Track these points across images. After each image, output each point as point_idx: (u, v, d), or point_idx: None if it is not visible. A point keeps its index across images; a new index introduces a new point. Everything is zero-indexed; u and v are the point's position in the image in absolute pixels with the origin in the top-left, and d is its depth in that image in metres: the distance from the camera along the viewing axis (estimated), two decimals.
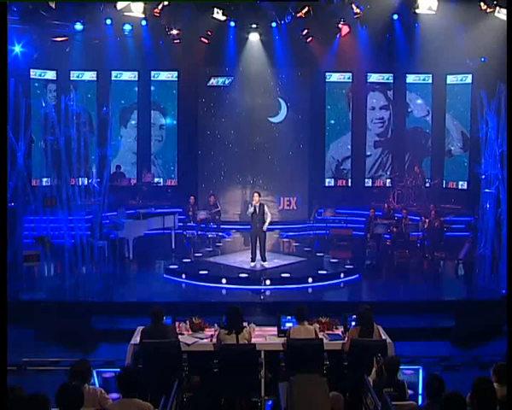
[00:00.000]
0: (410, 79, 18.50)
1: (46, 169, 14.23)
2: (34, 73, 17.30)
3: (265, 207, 13.04)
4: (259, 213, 12.89)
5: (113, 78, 18.26)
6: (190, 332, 8.21)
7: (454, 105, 18.01)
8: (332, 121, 18.68)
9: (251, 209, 12.86)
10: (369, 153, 18.81)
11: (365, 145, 18.77)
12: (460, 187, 17.81)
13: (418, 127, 18.66)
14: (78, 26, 15.91)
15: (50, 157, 13.73)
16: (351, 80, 18.62)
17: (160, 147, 18.76)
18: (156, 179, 18.49)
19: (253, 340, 7.70)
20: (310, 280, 12.20)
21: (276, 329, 8.16)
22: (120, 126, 18.55)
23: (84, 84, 17.90)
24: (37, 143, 15.46)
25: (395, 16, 16.34)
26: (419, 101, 18.55)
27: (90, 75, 18.07)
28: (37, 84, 17.36)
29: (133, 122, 18.58)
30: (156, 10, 15.44)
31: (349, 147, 18.69)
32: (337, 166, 18.78)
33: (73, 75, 17.87)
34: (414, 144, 18.58)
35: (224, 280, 12.17)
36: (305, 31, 16.63)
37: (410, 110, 18.67)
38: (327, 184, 18.63)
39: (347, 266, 13.18)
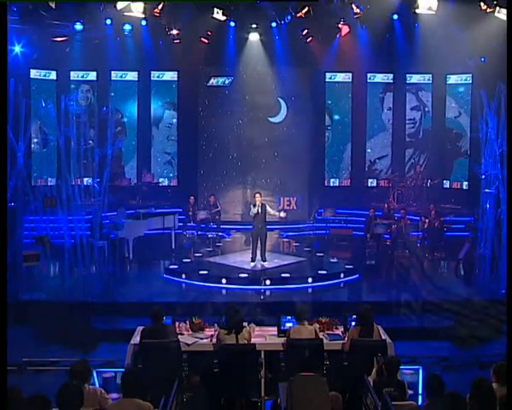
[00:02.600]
0: (426, 78, 18.51)
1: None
2: (36, 73, 17.32)
3: (267, 207, 13.07)
4: (262, 214, 12.91)
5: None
6: (190, 332, 8.21)
7: (465, 105, 17.98)
8: (337, 117, 18.66)
9: (254, 210, 12.88)
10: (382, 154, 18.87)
11: (365, 145, 18.79)
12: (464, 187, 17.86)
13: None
14: (78, 26, 15.91)
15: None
16: (351, 80, 18.64)
17: (177, 147, 18.79)
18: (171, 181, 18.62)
19: (253, 340, 7.69)
20: (310, 280, 12.20)
21: (276, 329, 8.15)
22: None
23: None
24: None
25: (395, 16, 16.35)
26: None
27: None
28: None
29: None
30: (156, 10, 15.45)
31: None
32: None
33: (75, 75, 17.91)
34: (429, 145, 18.57)
35: (223, 280, 12.17)
36: (305, 31, 16.63)
37: (427, 110, 18.66)
38: (345, 184, 18.65)
39: (347, 266, 13.18)
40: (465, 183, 17.87)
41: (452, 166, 18.26)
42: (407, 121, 18.78)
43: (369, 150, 18.83)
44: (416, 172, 18.14)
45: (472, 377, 5.11)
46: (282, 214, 13.20)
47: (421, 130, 18.76)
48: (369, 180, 18.74)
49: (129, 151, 18.48)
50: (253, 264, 13.12)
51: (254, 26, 17.17)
